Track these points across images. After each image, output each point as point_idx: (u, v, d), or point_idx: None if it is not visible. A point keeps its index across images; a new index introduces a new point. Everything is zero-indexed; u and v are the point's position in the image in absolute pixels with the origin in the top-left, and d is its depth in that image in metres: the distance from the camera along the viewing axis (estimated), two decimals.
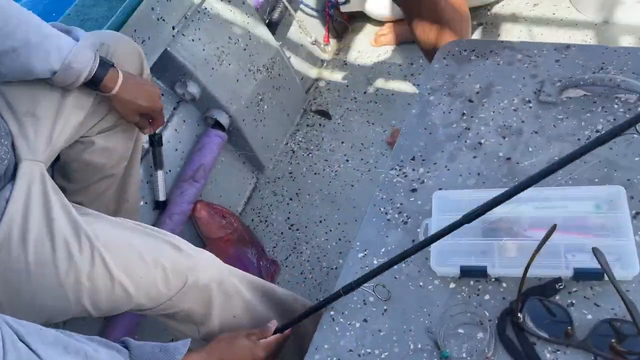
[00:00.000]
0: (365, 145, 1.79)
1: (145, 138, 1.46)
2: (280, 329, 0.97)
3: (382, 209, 0.96)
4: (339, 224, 1.63)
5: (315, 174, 1.77)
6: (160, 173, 1.48)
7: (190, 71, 1.52)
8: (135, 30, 1.34)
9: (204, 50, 1.55)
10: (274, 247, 1.66)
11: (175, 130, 1.58)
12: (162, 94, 1.58)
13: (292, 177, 1.79)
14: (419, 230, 0.90)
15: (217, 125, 1.63)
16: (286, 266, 1.61)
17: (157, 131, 1.47)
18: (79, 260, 0.86)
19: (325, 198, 1.70)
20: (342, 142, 1.82)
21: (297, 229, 1.66)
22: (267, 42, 1.75)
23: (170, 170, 1.55)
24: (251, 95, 1.70)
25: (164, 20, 1.42)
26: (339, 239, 1.60)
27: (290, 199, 1.74)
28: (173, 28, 1.46)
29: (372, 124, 1.84)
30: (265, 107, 1.76)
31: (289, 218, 1.70)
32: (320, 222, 1.65)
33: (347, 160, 1.77)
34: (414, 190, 0.97)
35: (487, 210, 0.67)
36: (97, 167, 1.17)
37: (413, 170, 0.99)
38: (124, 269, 0.87)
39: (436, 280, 0.85)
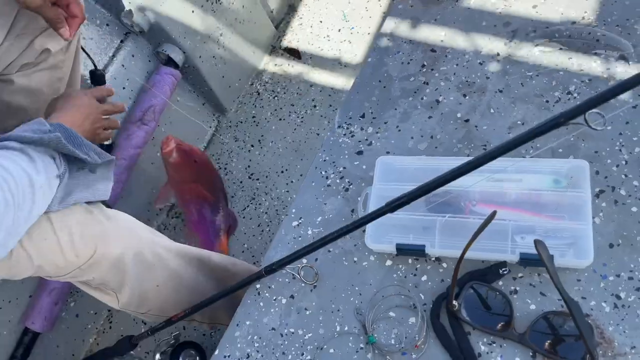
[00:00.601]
0: (336, 89, 1.66)
1: (86, 74, 1.32)
2: (214, 297, 0.89)
3: (323, 173, 0.86)
4: (301, 175, 1.53)
5: (280, 119, 1.65)
6: None
7: None
8: None
9: None
10: (232, 196, 1.57)
11: (123, 65, 1.43)
12: (107, 24, 1.43)
13: (255, 122, 1.67)
14: (359, 199, 0.81)
15: (170, 62, 1.49)
16: (243, 217, 1.53)
17: (99, 67, 1.33)
18: None
19: (289, 146, 1.59)
20: (311, 86, 1.69)
21: (257, 179, 1.57)
22: None
23: None
24: (209, 29, 1.54)
25: None
26: None
27: (252, 146, 1.63)
28: None
29: (345, 66, 1.69)
30: (226, 42, 1.61)
31: (249, 166, 1.59)
32: (282, 172, 1.56)
33: (315, 106, 1.65)
34: (359, 152, 0.86)
35: (414, 198, 0.57)
36: (18, 109, 1.05)
37: (361, 129, 0.88)
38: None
39: (372, 256, 0.77)
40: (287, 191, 1.53)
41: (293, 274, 0.78)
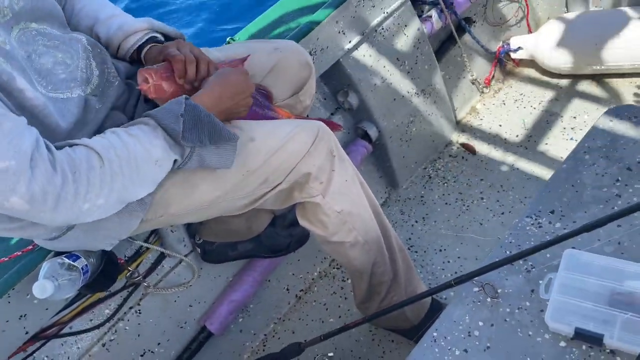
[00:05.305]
0: (505, 188, 1.77)
1: None
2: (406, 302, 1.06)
3: (508, 252, 0.98)
4: (458, 257, 1.64)
5: (446, 203, 1.80)
6: None
7: (354, 83, 1.65)
8: (317, 39, 1.50)
9: (371, 66, 1.67)
10: None
11: None
12: (325, 98, 1.75)
13: (422, 201, 1.83)
14: (540, 282, 0.91)
15: (366, 136, 1.74)
16: None
17: None
18: None
19: (450, 229, 1.72)
20: (481, 180, 1.82)
21: (416, 251, 1.71)
22: (431, 70, 1.82)
23: None
24: (404, 116, 1.78)
25: (344, 33, 1.57)
26: (455, 273, 1.61)
27: (416, 221, 1.78)
28: (349, 42, 1.60)
29: (517, 169, 1.81)
30: (414, 129, 1.83)
31: (410, 239, 1.74)
32: (440, 251, 1.68)
33: (482, 199, 1.77)
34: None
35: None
36: None
37: (549, 223, 0.99)
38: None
39: (547, 334, 0.85)
40: (442, 269, 1.64)
41: (471, 328, 0.89)
